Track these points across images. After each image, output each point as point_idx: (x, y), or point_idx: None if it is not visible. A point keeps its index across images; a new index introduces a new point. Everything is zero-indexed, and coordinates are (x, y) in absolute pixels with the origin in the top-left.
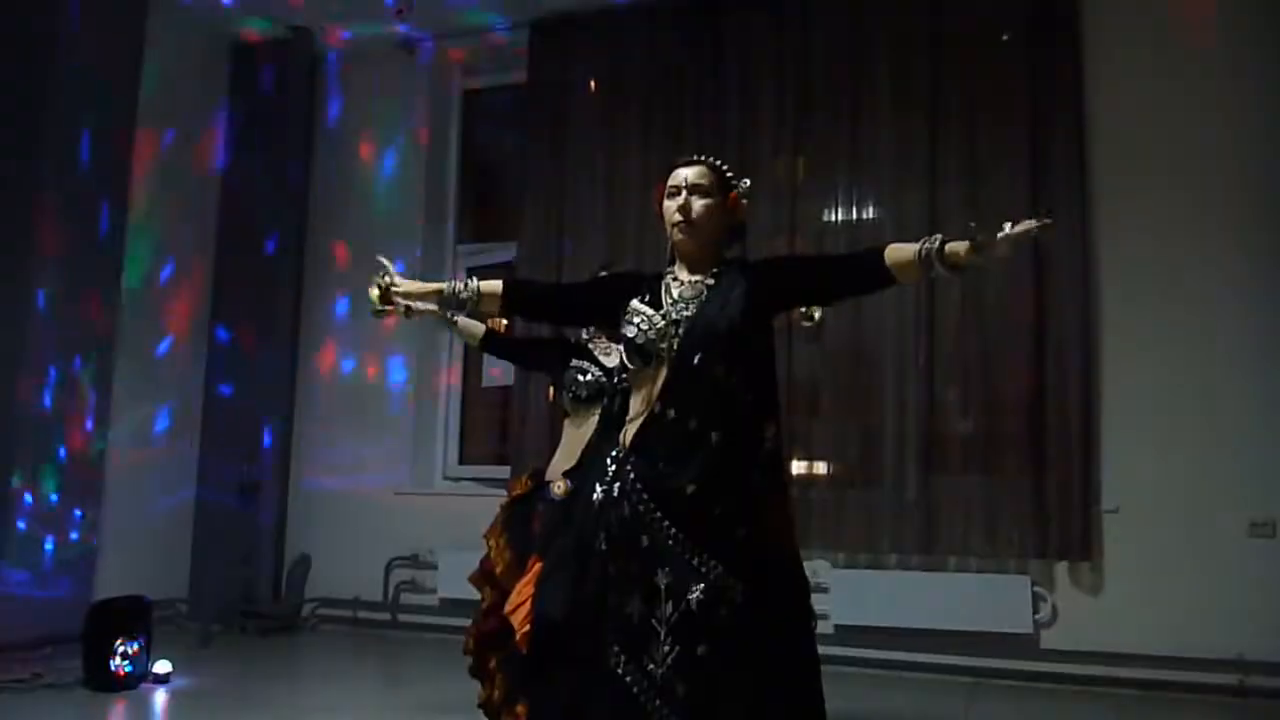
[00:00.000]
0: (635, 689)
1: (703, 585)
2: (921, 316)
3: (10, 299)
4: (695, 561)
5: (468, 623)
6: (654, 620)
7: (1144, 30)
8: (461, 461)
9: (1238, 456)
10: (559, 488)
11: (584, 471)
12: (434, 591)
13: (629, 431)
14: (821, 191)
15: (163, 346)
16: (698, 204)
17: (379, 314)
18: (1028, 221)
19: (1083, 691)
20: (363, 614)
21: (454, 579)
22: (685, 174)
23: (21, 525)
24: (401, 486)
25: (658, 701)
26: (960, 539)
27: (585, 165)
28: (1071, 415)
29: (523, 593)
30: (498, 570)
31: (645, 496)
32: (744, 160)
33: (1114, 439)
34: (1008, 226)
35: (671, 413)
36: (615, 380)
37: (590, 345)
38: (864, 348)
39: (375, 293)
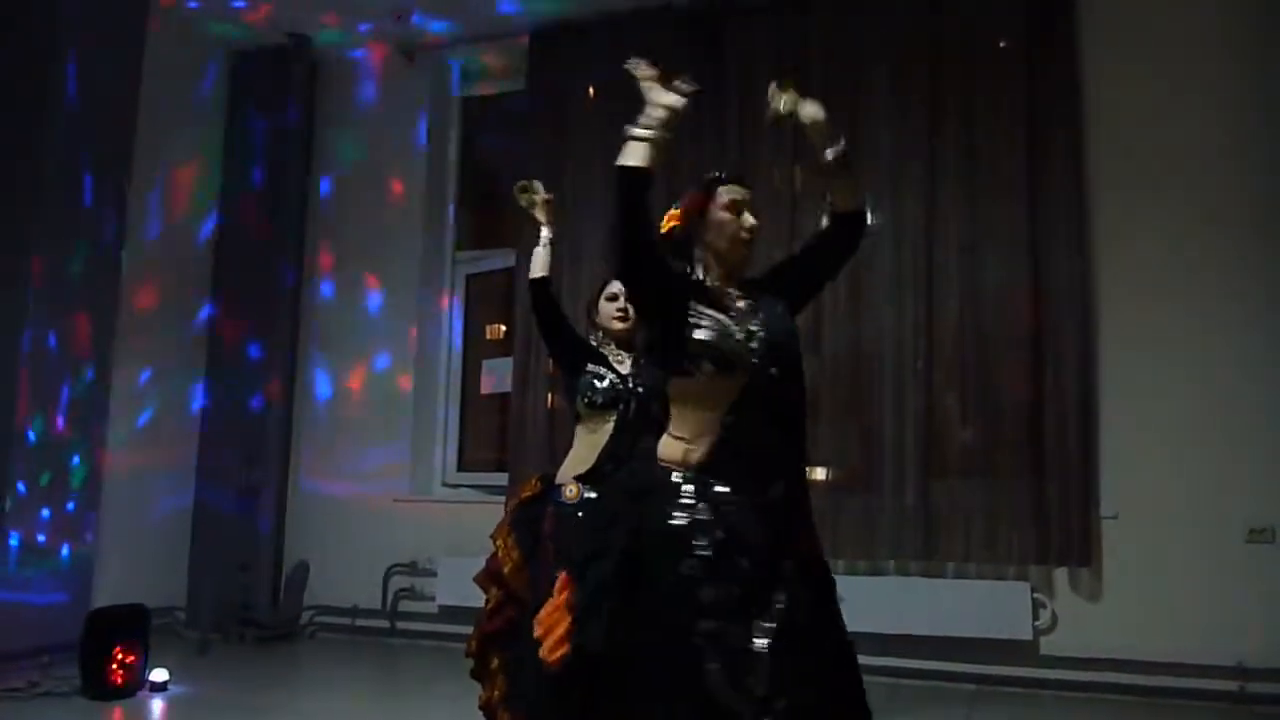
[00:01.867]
0: (740, 708)
1: (788, 594)
2: (920, 322)
3: (9, 309)
4: (785, 573)
5: (468, 630)
6: (750, 642)
7: (1141, 37)
8: (460, 468)
9: (1237, 462)
10: (570, 491)
11: (627, 492)
12: (433, 599)
13: (693, 448)
14: (820, 198)
15: (162, 355)
16: (754, 221)
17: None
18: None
19: (1083, 698)
20: (361, 622)
21: (453, 586)
22: (744, 192)
23: (18, 533)
24: (400, 493)
25: (765, 718)
26: (960, 545)
27: (584, 172)
28: (1070, 421)
29: (553, 616)
30: (505, 570)
31: (737, 518)
32: (743, 167)
33: (1113, 445)
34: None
35: (752, 427)
36: (630, 386)
37: (603, 350)
38: (863, 353)
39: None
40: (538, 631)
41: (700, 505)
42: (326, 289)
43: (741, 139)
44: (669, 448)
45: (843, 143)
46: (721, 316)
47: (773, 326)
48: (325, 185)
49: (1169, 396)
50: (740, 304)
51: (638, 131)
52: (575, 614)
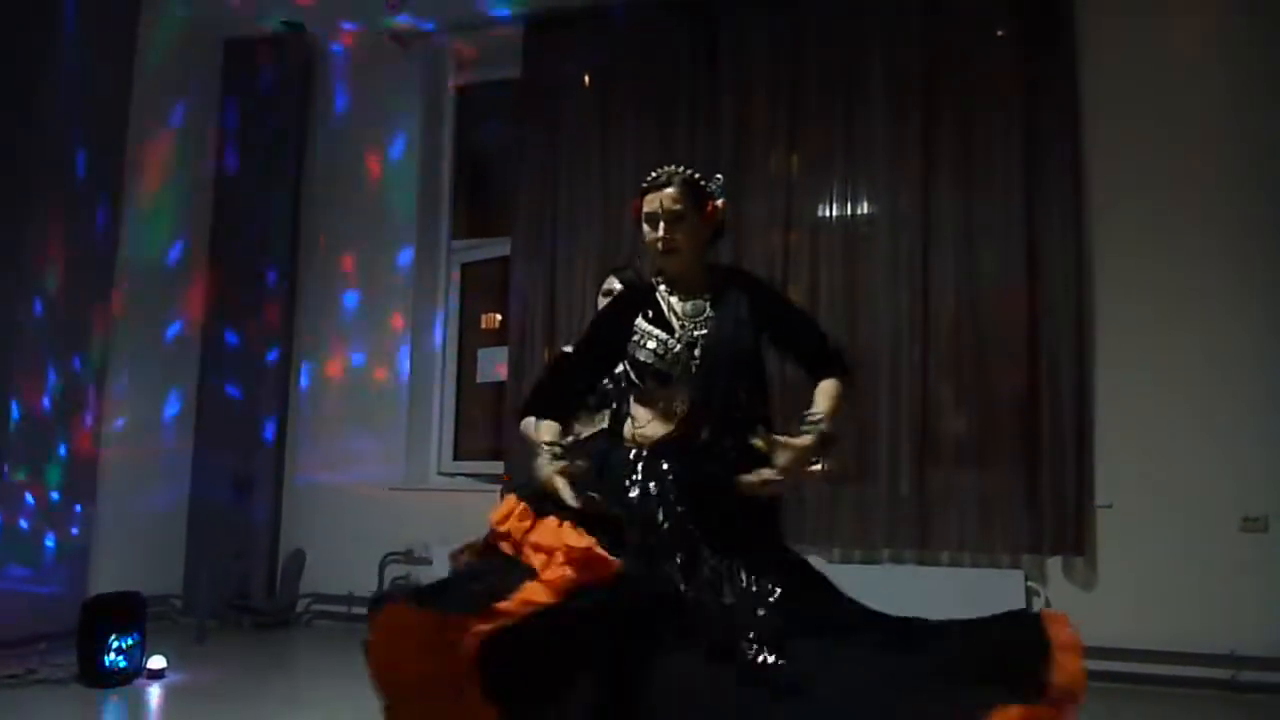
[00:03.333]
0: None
1: (750, 568)
2: (915, 312)
3: (8, 298)
4: (736, 574)
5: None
6: (723, 598)
7: (1140, 28)
8: (456, 457)
9: (1230, 451)
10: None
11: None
12: None
13: (645, 433)
14: (816, 186)
15: (157, 344)
16: (678, 233)
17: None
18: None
19: None
20: (357, 609)
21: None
22: (657, 199)
23: (19, 522)
24: (396, 482)
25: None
26: (954, 534)
27: (579, 160)
28: (1065, 410)
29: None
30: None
31: (686, 497)
32: (738, 155)
33: (1107, 434)
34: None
35: (706, 432)
36: (621, 386)
37: None
38: (859, 344)
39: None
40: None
41: (650, 483)
42: (320, 278)
43: (736, 129)
44: (626, 428)
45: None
46: (660, 333)
47: (718, 334)
48: (318, 174)
49: (1163, 385)
50: (688, 308)
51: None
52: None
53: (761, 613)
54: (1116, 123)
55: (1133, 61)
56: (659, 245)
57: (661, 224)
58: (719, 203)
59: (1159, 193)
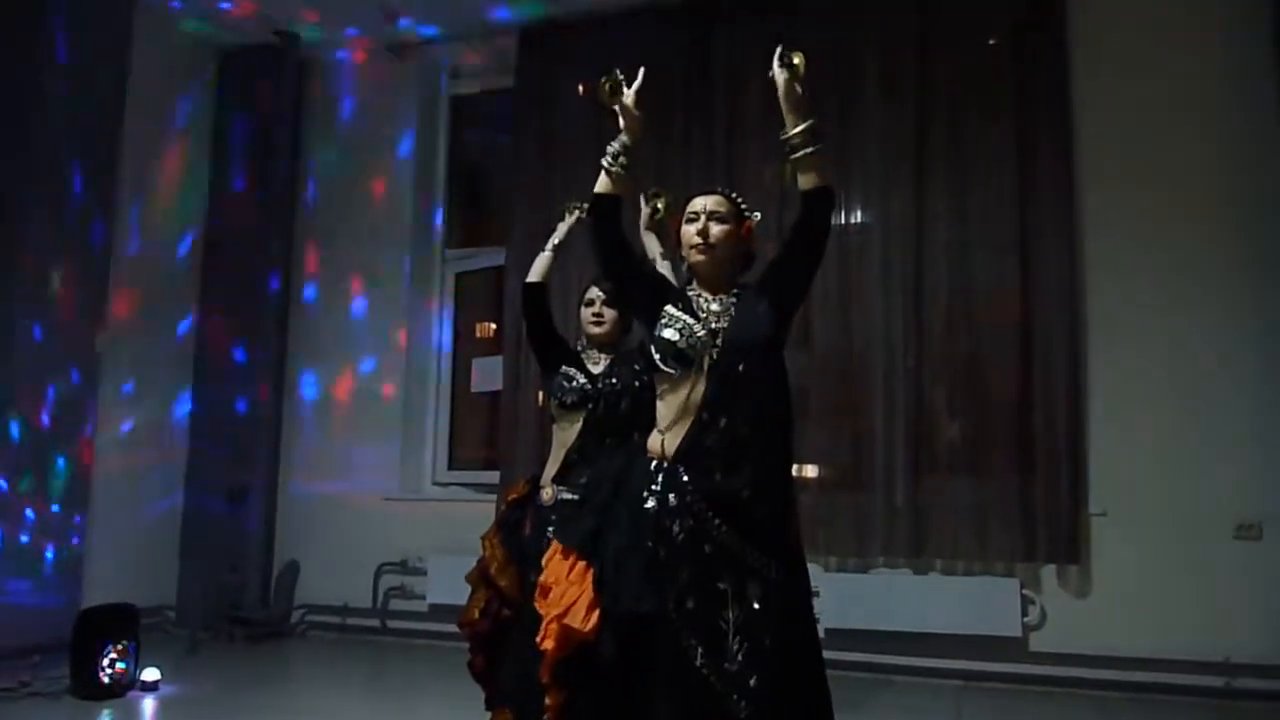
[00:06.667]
0: (719, 685)
1: (760, 582)
2: (909, 320)
3: (6, 314)
4: (750, 561)
5: (457, 628)
6: (721, 622)
7: (1131, 34)
8: (450, 467)
9: (1224, 459)
10: (546, 494)
11: (607, 476)
12: (423, 598)
13: (668, 440)
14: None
15: (153, 355)
16: (715, 228)
17: (611, 89)
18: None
19: (1071, 694)
20: (351, 620)
21: (443, 585)
22: (703, 202)
23: (20, 536)
24: (390, 492)
25: (735, 696)
26: (949, 542)
27: (573, 170)
28: (1059, 419)
29: (569, 594)
30: (491, 569)
31: (704, 506)
32: (732, 166)
33: (1101, 442)
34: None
35: (723, 420)
36: (599, 387)
37: (583, 355)
38: (853, 352)
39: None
40: (553, 611)
41: (669, 495)
42: (315, 288)
43: (729, 137)
44: (651, 439)
45: (807, 121)
46: (688, 318)
47: (739, 326)
48: (313, 184)
49: (1157, 394)
50: (715, 306)
51: (602, 162)
52: (601, 579)
53: (753, 680)
54: (1109, 130)
55: (1126, 66)
56: (696, 238)
57: (702, 218)
58: (754, 227)
59: (1153, 202)
